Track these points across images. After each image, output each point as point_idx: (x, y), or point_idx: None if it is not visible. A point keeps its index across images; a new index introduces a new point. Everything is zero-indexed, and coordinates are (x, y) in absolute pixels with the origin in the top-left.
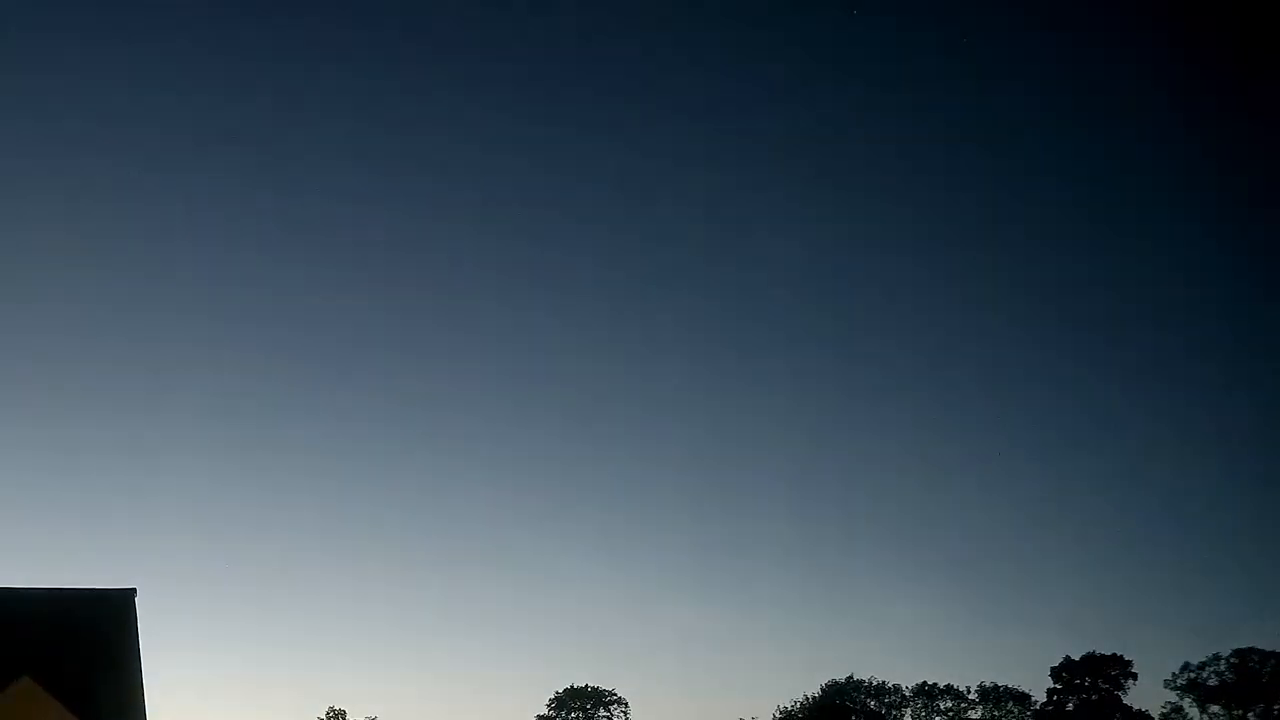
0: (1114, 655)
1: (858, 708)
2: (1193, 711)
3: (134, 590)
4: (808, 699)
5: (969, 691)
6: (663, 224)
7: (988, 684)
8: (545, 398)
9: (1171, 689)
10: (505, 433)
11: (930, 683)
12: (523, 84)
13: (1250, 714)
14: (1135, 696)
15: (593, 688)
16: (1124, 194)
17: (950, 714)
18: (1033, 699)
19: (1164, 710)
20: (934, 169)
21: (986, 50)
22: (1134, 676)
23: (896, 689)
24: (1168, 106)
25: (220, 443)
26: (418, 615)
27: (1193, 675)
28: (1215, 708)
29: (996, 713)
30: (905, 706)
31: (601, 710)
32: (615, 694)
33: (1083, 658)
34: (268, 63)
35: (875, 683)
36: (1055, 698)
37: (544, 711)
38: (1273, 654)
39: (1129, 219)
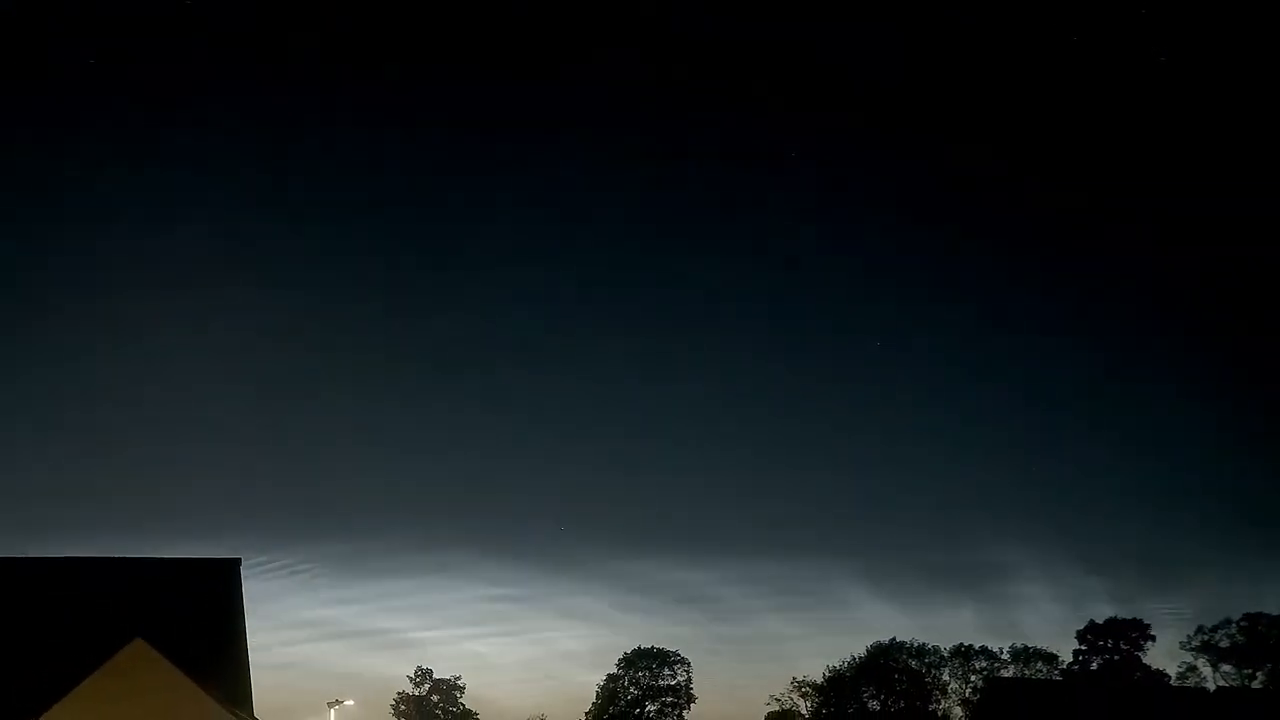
0: (1134, 619)
1: (900, 667)
2: (1206, 671)
3: (239, 560)
4: (854, 659)
5: (1002, 652)
6: None
7: (1019, 645)
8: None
9: (1187, 650)
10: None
11: (966, 644)
12: None
13: (1258, 673)
14: (1153, 657)
15: (658, 649)
16: None
17: (984, 673)
18: (1060, 659)
19: (1180, 669)
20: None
21: None
22: (1152, 639)
23: (935, 650)
24: None
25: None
26: (500, 585)
27: (1206, 638)
28: (1227, 667)
29: (1026, 671)
30: (943, 666)
31: (666, 669)
32: (679, 654)
33: (1105, 621)
34: None
35: (916, 644)
36: (1080, 658)
37: (614, 670)
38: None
39: None
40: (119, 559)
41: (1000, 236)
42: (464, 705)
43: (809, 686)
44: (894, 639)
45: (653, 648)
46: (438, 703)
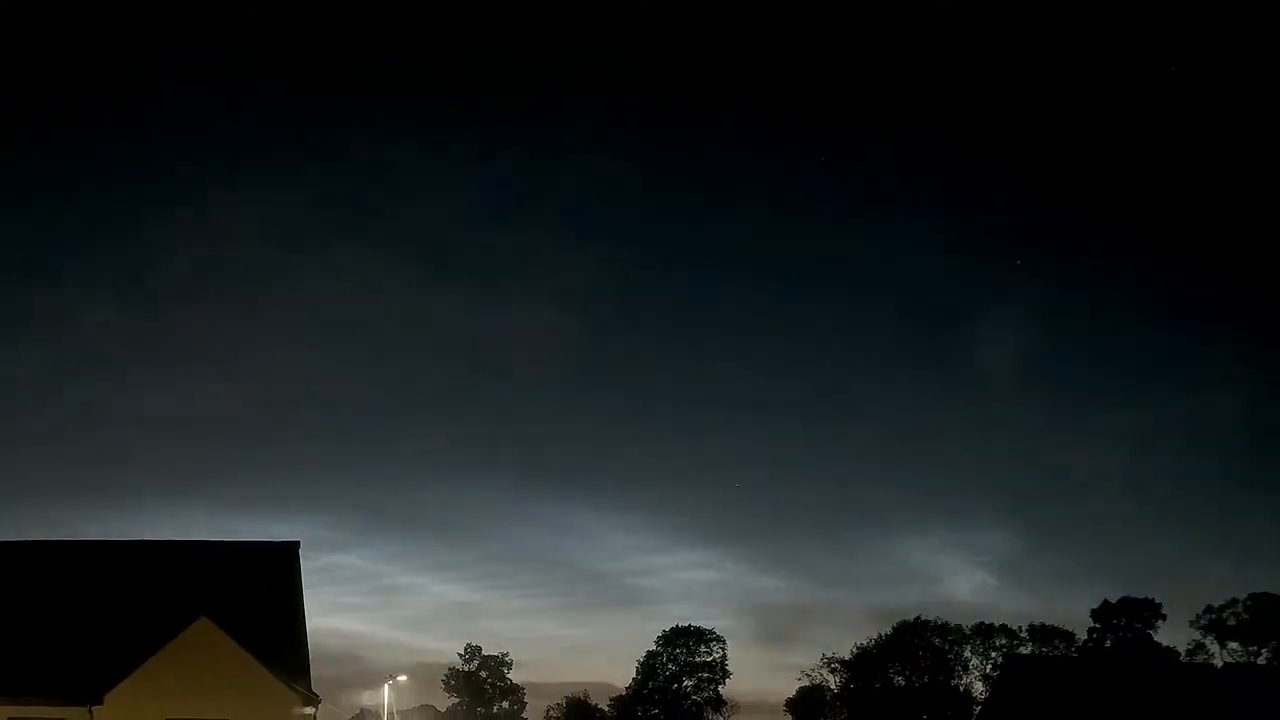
0: (1146, 599)
1: (924, 645)
2: (1214, 648)
3: (297, 542)
4: (881, 636)
5: (1020, 630)
6: None
7: (1036, 624)
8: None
9: (1196, 628)
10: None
11: (987, 623)
12: None
13: (1263, 650)
14: (1164, 635)
15: (695, 628)
16: None
17: (1004, 650)
18: (1075, 637)
19: (1189, 647)
20: None
21: None
22: (1163, 617)
23: (958, 628)
24: None
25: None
26: (544, 568)
27: (1214, 616)
28: (1233, 645)
29: (1044, 648)
30: (965, 644)
31: (703, 647)
32: (714, 632)
33: (1119, 600)
34: None
35: (939, 623)
36: (1095, 636)
37: (654, 648)
38: None
39: None
40: (184, 542)
41: (1005, 237)
42: (511, 680)
43: (838, 663)
44: (918, 617)
45: (689, 626)
46: (486, 678)
